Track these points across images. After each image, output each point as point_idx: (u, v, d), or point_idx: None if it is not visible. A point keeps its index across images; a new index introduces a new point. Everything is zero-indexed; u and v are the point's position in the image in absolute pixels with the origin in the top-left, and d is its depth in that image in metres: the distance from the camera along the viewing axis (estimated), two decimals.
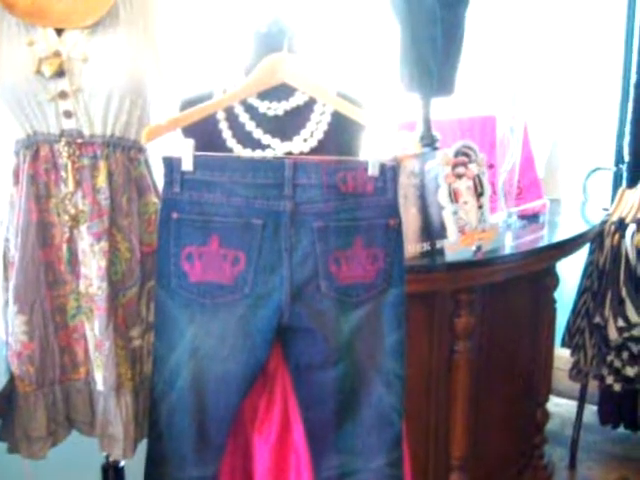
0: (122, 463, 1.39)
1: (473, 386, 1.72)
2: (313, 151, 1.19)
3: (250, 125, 1.18)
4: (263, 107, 1.18)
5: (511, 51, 2.32)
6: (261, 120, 1.18)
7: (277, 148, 1.17)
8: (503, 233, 1.77)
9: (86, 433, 1.27)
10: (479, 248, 1.60)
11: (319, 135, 1.20)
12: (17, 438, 1.23)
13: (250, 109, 1.18)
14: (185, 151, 1.15)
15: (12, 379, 1.23)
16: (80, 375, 1.24)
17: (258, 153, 1.17)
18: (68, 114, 1.19)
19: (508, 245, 1.73)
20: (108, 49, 1.19)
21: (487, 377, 1.81)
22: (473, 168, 1.58)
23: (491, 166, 1.80)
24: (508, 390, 1.92)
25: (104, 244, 1.20)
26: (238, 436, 1.21)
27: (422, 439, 1.73)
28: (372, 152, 1.18)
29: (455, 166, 1.58)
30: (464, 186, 1.60)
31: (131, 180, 1.24)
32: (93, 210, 1.20)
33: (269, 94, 1.18)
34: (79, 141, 1.20)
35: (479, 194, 1.62)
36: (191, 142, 1.16)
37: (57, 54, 1.17)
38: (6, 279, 1.24)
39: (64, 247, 1.21)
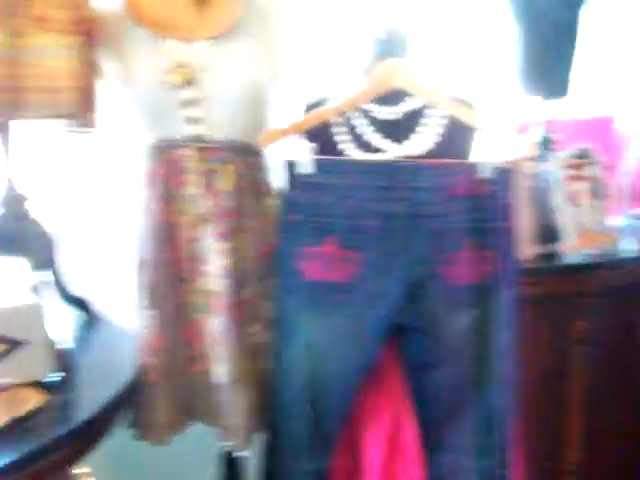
0: (240, 453, 1.45)
1: (588, 392, 1.69)
2: (428, 154, 1.21)
3: (365, 129, 1.22)
4: (378, 111, 1.21)
5: (628, 50, 2.26)
6: (376, 124, 1.22)
7: (392, 151, 1.20)
8: (623, 236, 1.74)
9: (206, 423, 1.34)
10: (598, 251, 1.58)
11: (434, 138, 1.22)
12: (143, 426, 1.32)
13: (365, 113, 1.22)
14: (305, 154, 1.20)
15: (141, 370, 1.31)
16: (202, 368, 1.30)
17: (373, 156, 1.20)
18: (194, 120, 1.26)
19: (628, 248, 1.70)
20: (232, 59, 1.25)
21: (602, 384, 1.78)
22: (591, 170, 1.57)
23: (609, 167, 1.77)
24: (624, 399, 1.88)
25: (227, 244, 1.26)
26: (349, 432, 1.25)
27: (536, 442, 1.72)
28: (487, 155, 1.19)
29: (572, 168, 1.57)
30: (582, 188, 1.59)
31: (252, 182, 1.30)
32: (217, 212, 1.26)
33: (384, 98, 1.22)
34: (204, 146, 1.26)
35: (597, 196, 1.60)
36: (311, 145, 1.21)
37: (184, 65, 1.24)
38: (139, 277, 1.32)
39: (189, 247, 1.28)
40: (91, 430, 1.11)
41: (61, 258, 1.45)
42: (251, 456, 1.38)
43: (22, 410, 1.08)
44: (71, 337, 1.37)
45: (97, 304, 1.47)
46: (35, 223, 1.39)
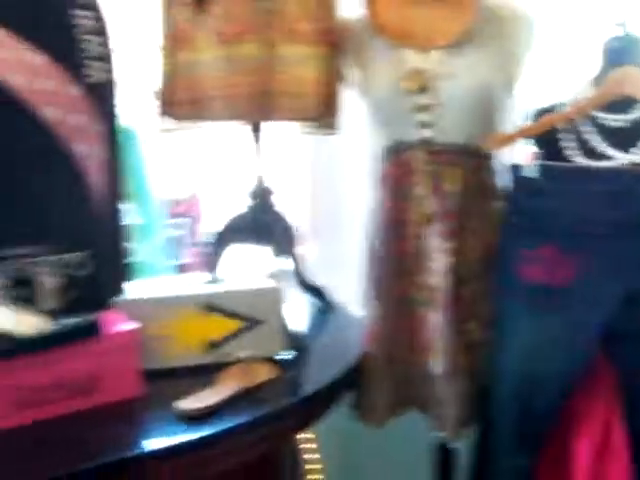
0: (453, 445, 1.50)
1: None
2: None
3: (592, 136, 1.22)
4: (605, 118, 1.21)
5: None
6: (603, 131, 1.22)
7: (618, 159, 1.19)
8: None
9: (421, 411, 1.41)
10: None
11: None
12: (363, 407, 1.41)
13: (593, 120, 1.22)
14: (531, 159, 1.23)
15: (364, 355, 1.41)
16: (421, 358, 1.37)
17: (599, 163, 1.20)
18: (426, 125, 1.32)
19: None
20: (465, 68, 1.30)
21: None
22: None
23: None
24: None
25: (452, 243, 1.32)
26: (558, 434, 1.26)
27: None
28: None
29: None
30: None
31: (478, 185, 1.34)
32: (444, 212, 1.32)
33: (612, 105, 1.21)
34: (434, 149, 1.33)
35: None
36: (537, 150, 1.23)
37: (419, 72, 1.31)
38: (369, 269, 1.42)
39: (415, 243, 1.35)
40: (314, 404, 1.23)
41: (300, 248, 1.59)
42: (463, 448, 1.43)
43: (255, 381, 1.21)
44: (305, 321, 1.50)
45: (331, 293, 1.60)
46: (279, 215, 1.54)
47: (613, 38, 1.22)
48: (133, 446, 1.03)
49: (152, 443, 1.03)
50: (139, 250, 1.68)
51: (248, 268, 1.56)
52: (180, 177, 1.94)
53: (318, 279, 1.61)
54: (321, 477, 1.62)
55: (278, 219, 1.54)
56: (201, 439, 1.05)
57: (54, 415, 1.09)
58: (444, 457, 1.49)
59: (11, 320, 1.08)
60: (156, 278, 1.69)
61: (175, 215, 1.89)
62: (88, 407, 1.12)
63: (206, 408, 1.11)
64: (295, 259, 1.56)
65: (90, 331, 1.13)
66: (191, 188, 1.95)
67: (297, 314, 1.49)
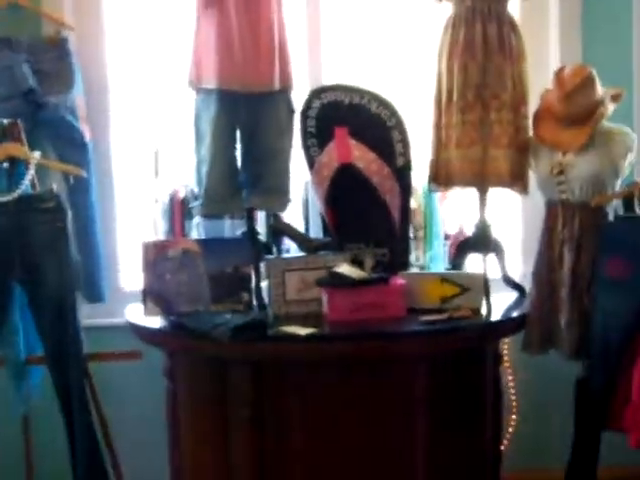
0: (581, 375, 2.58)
1: None
2: None
3: None
4: None
5: None
6: None
7: None
8: None
9: (557, 348, 2.53)
10: None
11: None
12: (525, 343, 2.56)
13: None
14: None
15: (528, 315, 2.57)
16: (557, 316, 2.50)
17: None
18: (562, 191, 2.49)
19: None
20: (585, 162, 2.44)
21: None
22: None
23: None
24: None
25: (574, 254, 2.45)
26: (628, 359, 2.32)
27: None
28: None
29: None
30: None
31: (593, 223, 2.46)
32: (570, 237, 2.46)
33: None
34: (567, 204, 2.48)
35: None
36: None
37: (561, 163, 2.48)
38: (535, 270, 2.60)
39: (557, 255, 2.50)
40: (492, 326, 2.46)
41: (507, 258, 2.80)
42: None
43: (465, 314, 2.44)
44: (503, 299, 2.70)
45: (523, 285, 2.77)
46: (494, 238, 2.76)
47: None
48: (406, 328, 2.36)
49: (412, 328, 2.35)
50: (425, 254, 3.02)
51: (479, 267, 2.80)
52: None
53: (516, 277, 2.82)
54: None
55: (494, 240, 2.78)
56: (433, 329, 2.34)
57: (367, 318, 2.45)
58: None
59: (352, 271, 2.47)
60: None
61: (446, 237, 3.15)
62: (381, 316, 2.46)
63: (438, 320, 2.39)
64: (503, 263, 2.78)
65: (385, 280, 2.49)
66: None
67: (500, 297, 2.69)
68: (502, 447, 2.73)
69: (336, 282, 2.47)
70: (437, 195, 2.99)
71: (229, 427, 2.40)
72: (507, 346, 2.75)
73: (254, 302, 2.59)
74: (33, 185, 2.51)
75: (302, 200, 3.04)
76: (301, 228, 2.98)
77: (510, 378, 2.78)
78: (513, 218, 3.13)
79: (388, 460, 2.40)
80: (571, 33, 2.97)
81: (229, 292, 2.56)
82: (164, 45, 3.09)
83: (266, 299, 2.58)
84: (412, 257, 2.94)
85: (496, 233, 2.80)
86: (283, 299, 2.53)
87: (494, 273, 2.76)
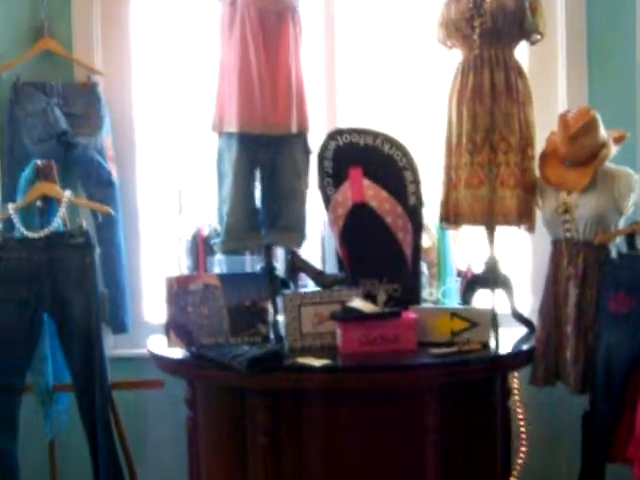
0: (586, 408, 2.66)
1: None
2: None
3: None
4: None
5: None
6: None
7: None
8: None
9: (563, 381, 2.62)
10: None
11: None
12: (532, 375, 2.65)
13: None
14: None
15: (535, 348, 2.66)
16: (563, 353, 2.59)
17: None
18: (567, 229, 2.59)
19: None
20: (588, 201, 2.55)
21: None
22: None
23: None
24: None
25: (579, 290, 2.55)
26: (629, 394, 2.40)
27: None
28: None
29: None
30: None
31: (596, 260, 2.55)
32: (575, 274, 2.56)
33: None
34: (572, 242, 2.58)
35: None
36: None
37: (566, 203, 2.59)
38: (541, 305, 2.69)
39: (562, 291, 2.60)
40: (500, 359, 2.55)
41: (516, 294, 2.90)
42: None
43: (474, 348, 2.55)
44: (512, 333, 2.80)
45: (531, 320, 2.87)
46: (503, 274, 2.87)
47: None
48: (414, 361, 2.47)
49: (423, 360, 2.46)
50: (438, 289, 3.13)
51: (487, 302, 2.91)
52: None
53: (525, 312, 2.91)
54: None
55: (503, 276, 2.88)
56: (442, 362, 2.44)
57: (379, 350, 2.55)
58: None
59: (366, 305, 2.58)
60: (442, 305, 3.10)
61: (459, 274, 3.26)
62: (393, 349, 2.56)
63: (447, 353, 2.49)
64: (512, 299, 2.88)
65: (397, 315, 2.60)
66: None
67: (509, 332, 2.79)
68: (511, 478, 2.80)
69: (350, 316, 2.58)
70: (450, 233, 3.11)
71: (247, 454, 2.51)
72: (517, 380, 2.83)
73: (271, 334, 2.71)
74: (64, 222, 2.66)
75: (320, 237, 3.17)
76: (318, 264, 3.10)
77: (520, 411, 2.86)
78: (523, 255, 3.23)
79: None
80: (577, 77, 3.10)
81: (248, 325, 2.68)
82: (189, 89, 3.26)
83: (283, 332, 2.70)
84: (426, 292, 3.06)
85: (505, 269, 2.90)
86: (299, 332, 2.64)
87: (504, 308, 2.86)
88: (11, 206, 2.62)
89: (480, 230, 2.88)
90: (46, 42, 3.04)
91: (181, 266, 3.19)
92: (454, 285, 3.20)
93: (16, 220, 2.59)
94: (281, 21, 2.69)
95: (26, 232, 2.56)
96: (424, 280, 3.11)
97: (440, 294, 3.17)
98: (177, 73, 3.29)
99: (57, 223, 2.59)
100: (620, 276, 2.46)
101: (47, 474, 2.74)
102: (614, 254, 2.51)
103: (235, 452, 2.55)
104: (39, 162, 2.68)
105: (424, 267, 3.14)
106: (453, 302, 3.04)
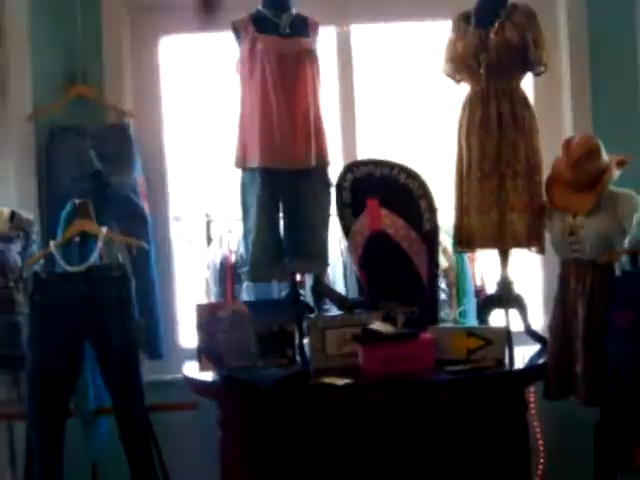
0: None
1: None
2: None
3: None
4: None
5: None
6: None
7: None
8: None
9: (573, 394, 2.75)
10: None
11: None
12: (545, 389, 2.78)
13: None
14: None
15: (546, 364, 2.79)
16: (575, 367, 2.72)
17: None
18: (574, 250, 2.73)
19: None
20: (593, 223, 2.68)
21: None
22: None
23: None
24: None
25: (585, 308, 2.68)
26: None
27: None
28: None
29: None
30: None
31: (603, 279, 2.69)
32: (583, 293, 2.70)
33: None
34: (579, 262, 2.72)
35: None
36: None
37: (572, 225, 2.73)
38: (551, 322, 2.83)
39: (570, 309, 2.73)
40: (514, 375, 2.69)
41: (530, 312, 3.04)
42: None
43: (489, 365, 2.69)
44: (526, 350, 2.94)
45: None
46: (517, 293, 3.01)
47: None
48: (431, 378, 2.62)
49: (440, 377, 2.61)
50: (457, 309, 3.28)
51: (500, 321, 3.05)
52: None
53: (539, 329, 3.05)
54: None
55: (516, 295, 3.02)
56: (458, 378, 2.59)
57: (399, 370, 2.70)
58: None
59: (385, 327, 2.74)
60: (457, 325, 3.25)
61: (477, 294, 3.41)
62: (412, 368, 2.71)
63: (462, 370, 2.64)
64: (525, 317, 3.02)
65: (415, 335, 2.75)
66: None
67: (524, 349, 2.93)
68: None
69: (370, 338, 2.74)
70: (468, 255, 3.27)
71: (274, 467, 2.67)
72: (533, 394, 2.97)
73: (297, 357, 2.87)
74: (101, 257, 2.85)
75: (342, 264, 3.34)
76: (341, 289, 3.28)
77: (536, 424, 2.99)
78: (535, 275, 3.37)
79: None
80: (582, 105, 3.25)
81: (275, 348, 2.85)
82: (214, 127, 3.47)
83: (308, 354, 2.86)
84: (444, 313, 3.22)
85: (518, 289, 3.04)
86: (323, 354, 2.80)
87: (518, 326, 3.00)
88: (52, 243, 2.81)
89: (494, 252, 3.03)
90: (79, 88, 3.25)
91: (210, 293, 3.38)
92: (472, 305, 3.35)
93: (57, 256, 2.77)
94: (299, 63, 2.89)
95: (67, 267, 2.75)
96: (443, 300, 3.28)
97: (458, 314, 3.33)
98: (203, 113, 3.49)
99: (95, 258, 2.77)
100: (623, 293, 2.59)
101: None
102: (618, 272, 2.64)
103: (265, 472, 2.70)
104: (77, 201, 2.87)
105: (444, 287, 3.31)
106: (471, 322, 3.19)
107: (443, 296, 3.32)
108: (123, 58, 3.35)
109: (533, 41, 2.89)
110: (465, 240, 2.99)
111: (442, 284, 3.31)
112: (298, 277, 3.09)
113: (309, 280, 3.18)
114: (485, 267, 3.39)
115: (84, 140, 3.21)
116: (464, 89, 3.01)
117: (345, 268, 3.34)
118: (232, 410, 2.82)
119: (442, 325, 3.02)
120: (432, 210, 2.97)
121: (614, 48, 3.27)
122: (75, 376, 2.75)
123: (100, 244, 2.81)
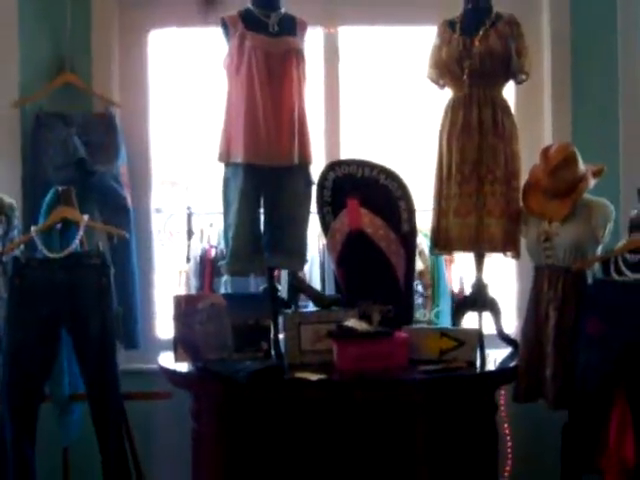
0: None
1: None
2: None
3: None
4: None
5: None
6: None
7: None
8: None
9: (543, 397, 2.80)
10: None
11: None
12: (514, 392, 2.84)
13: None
14: None
15: (517, 367, 2.85)
16: (545, 371, 2.77)
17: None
18: (548, 256, 2.79)
19: None
20: (567, 230, 2.74)
21: None
22: None
23: None
24: None
25: (557, 312, 2.73)
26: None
27: None
28: None
29: None
30: None
31: (574, 285, 2.74)
32: (555, 298, 2.75)
33: None
34: (553, 268, 2.77)
35: None
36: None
37: (547, 231, 2.79)
38: (523, 327, 2.88)
39: (543, 313, 2.79)
40: (483, 377, 2.74)
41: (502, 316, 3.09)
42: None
43: (460, 365, 2.74)
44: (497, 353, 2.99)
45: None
46: (491, 296, 3.06)
47: None
48: (404, 376, 2.66)
49: (413, 376, 2.65)
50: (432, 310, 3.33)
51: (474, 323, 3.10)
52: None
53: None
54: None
55: (490, 299, 3.07)
56: (429, 378, 2.64)
57: (372, 367, 2.74)
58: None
59: (360, 325, 2.78)
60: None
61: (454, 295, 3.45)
62: (385, 365, 2.75)
63: (434, 370, 2.68)
64: (498, 320, 3.07)
65: (389, 334, 2.79)
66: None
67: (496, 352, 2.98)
68: None
69: (345, 335, 2.78)
70: (445, 257, 3.32)
71: (245, 460, 2.71)
72: (503, 397, 3.02)
73: (272, 351, 2.91)
74: (82, 244, 2.87)
75: (319, 261, 3.38)
76: (318, 286, 3.31)
77: (506, 426, 3.04)
78: (509, 279, 3.43)
79: None
80: (562, 114, 3.31)
81: (251, 342, 2.89)
82: (199, 120, 3.49)
83: (283, 349, 2.89)
84: (419, 313, 3.27)
85: (492, 292, 3.09)
86: (298, 349, 2.84)
87: (490, 329, 3.05)
88: (33, 228, 2.82)
89: (470, 256, 3.08)
90: (67, 76, 3.27)
91: (189, 286, 3.41)
92: (447, 307, 3.39)
93: (38, 242, 2.79)
94: (285, 62, 2.92)
95: (47, 253, 2.76)
96: (419, 301, 3.33)
97: (433, 315, 3.38)
98: (189, 105, 3.52)
99: (76, 245, 2.79)
100: (594, 300, 2.65)
101: (61, 478, 2.93)
102: (590, 280, 2.70)
103: (236, 464, 2.74)
104: (60, 188, 2.89)
105: (420, 289, 3.36)
106: (446, 323, 3.23)
107: (419, 297, 3.37)
108: (111, 49, 3.36)
109: (516, 50, 2.95)
110: (442, 243, 3.04)
111: (418, 285, 3.36)
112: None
113: (285, 276, 3.21)
114: (463, 270, 3.44)
115: (70, 128, 3.22)
116: (447, 94, 3.05)
117: (323, 265, 3.37)
118: (206, 402, 2.84)
119: (416, 325, 3.06)
120: (411, 211, 3.02)
121: (595, 57, 3.33)
122: (51, 362, 2.77)
123: (81, 232, 2.83)
